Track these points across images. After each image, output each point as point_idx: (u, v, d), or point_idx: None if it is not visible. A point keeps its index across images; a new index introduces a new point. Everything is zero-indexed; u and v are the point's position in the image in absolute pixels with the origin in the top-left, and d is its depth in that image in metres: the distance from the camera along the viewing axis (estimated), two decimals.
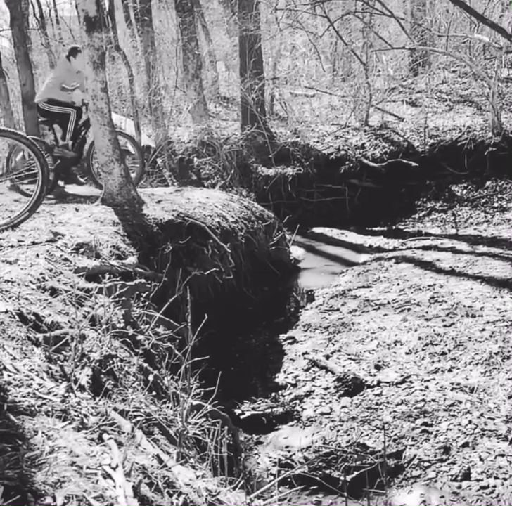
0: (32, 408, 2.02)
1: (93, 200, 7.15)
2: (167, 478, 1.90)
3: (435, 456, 3.83)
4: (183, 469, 2.18)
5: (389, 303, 6.56)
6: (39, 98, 8.45)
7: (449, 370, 4.90)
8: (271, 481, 3.77)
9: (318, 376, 5.18)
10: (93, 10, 6.14)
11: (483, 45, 12.08)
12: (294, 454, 4.12)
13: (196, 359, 3.08)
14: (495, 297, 6.23)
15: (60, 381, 2.43)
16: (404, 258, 8.06)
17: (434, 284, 6.84)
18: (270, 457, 4.15)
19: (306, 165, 11.69)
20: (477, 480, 3.58)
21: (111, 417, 2.19)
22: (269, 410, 4.72)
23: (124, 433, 2.13)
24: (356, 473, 3.79)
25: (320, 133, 12.64)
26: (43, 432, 1.86)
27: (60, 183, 8.81)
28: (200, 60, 13.40)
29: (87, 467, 1.73)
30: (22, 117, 11.81)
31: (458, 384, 4.62)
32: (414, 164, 10.85)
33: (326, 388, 4.93)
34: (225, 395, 3.45)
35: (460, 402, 4.34)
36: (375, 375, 4.96)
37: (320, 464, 3.98)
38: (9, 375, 2.22)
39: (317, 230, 10.42)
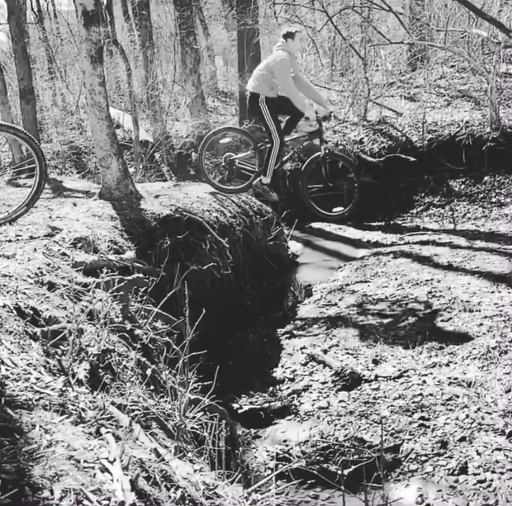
0: (30, 402, 2.02)
1: (90, 195, 7.14)
2: (164, 472, 1.91)
3: (432, 450, 3.84)
4: (181, 462, 2.19)
5: (387, 298, 6.57)
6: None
7: (447, 365, 4.91)
8: (268, 475, 3.78)
9: (316, 370, 5.19)
10: (90, 4, 6.13)
11: (482, 40, 12.05)
12: (291, 448, 4.13)
13: (194, 353, 3.08)
14: (493, 292, 6.24)
15: (57, 375, 2.43)
16: (402, 253, 8.07)
17: (432, 279, 6.85)
18: (268, 451, 4.16)
19: (305, 160, 11.66)
20: (474, 474, 3.59)
21: (109, 411, 2.19)
22: (266, 404, 4.73)
23: (121, 427, 2.14)
24: (353, 467, 3.80)
25: None
26: (40, 426, 1.87)
27: (58, 178, 8.69)
28: (198, 54, 13.37)
29: (85, 461, 1.73)
30: (19, 112, 11.81)
31: (456, 378, 4.63)
32: (412, 159, 10.84)
33: (324, 383, 4.94)
34: (223, 389, 3.46)
35: (457, 396, 4.35)
36: (372, 370, 4.97)
37: (317, 458, 3.99)
38: (7, 369, 2.22)
39: (315, 225, 10.41)
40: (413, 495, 3.55)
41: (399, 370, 4.88)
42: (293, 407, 4.68)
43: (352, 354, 5.34)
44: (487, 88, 10.83)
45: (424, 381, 4.65)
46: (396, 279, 7.08)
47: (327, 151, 7.22)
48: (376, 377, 4.83)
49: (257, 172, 7.56)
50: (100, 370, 2.73)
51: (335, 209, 7.70)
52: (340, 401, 4.59)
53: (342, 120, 12.66)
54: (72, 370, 2.52)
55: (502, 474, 3.54)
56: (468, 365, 4.85)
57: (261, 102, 6.95)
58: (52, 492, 1.56)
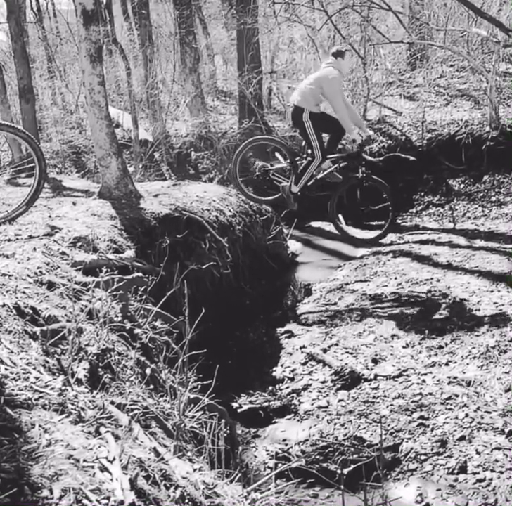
0: (29, 402, 2.02)
1: (90, 194, 7.14)
2: (164, 471, 1.91)
3: (432, 449, 3.84)
4: (181, 462, 2.19)
5: (386, 297, 6.56)
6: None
7: (446, 364, 4.91)
8: (268, 474, 3.78)
9: (316, 370, 5.19)
10: (90, 3, 6.12)
11: (481, 39, 12.04)
12: (291, 447, 4.14)
13: (193, 353, 3.08)
14: (492, 291, 6.24)
15: (57, 374, 2.43)
16: (402, 252, 8.06)
17: (432, 278, 6.85)
18: (267, 451, 4.16)
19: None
20: (474, 473, 3.59)
21: (108, 410, 2.19)
22: (266, 404, 4.74)
23: (121, 426, 2.14)
24: (353, 466, 3.80)
25: None
26: (40, 425, 1.87)
27: (57, 177, 8.65)
28: (197, 53, 13.36)
29: (84, 460, 1.73)
30: (19, 111, 11.80)
31: (455, 377, 4.63)
32: (412, 158, 10.83)
33: (323, 382, 4.94)
34: (222, 388, 3.46)
35: (457, 395, 4.35)
36: (372, 369, 4.97)
37: (317, 457, 3.99)
38: (6, 369, 2.22)
39: (315, 224, 10.40)
40: (412, 494, 3.56)
41: (399, 369, 4.88)
42: (293, 406, 4.68)
43: (351, 353, 5.34)
44: (486, 88, 10.83)
45: (423, 381, 4.65)
46: (395, 278, 7.08)
47: (365, 175, 7.10)
48: (376, 376, 4.84)
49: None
50: (99, 369, 2.73)
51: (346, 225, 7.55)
52: (340, 400, 4.59)
53: None
54: (71, 369, 2.52)
55: (501, 473, 3.55)
56: (468, 364, 4.85)
57: (305, 117, 6.86)
58: (51, 491, 1.56)
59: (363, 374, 4.88)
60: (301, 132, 7.12)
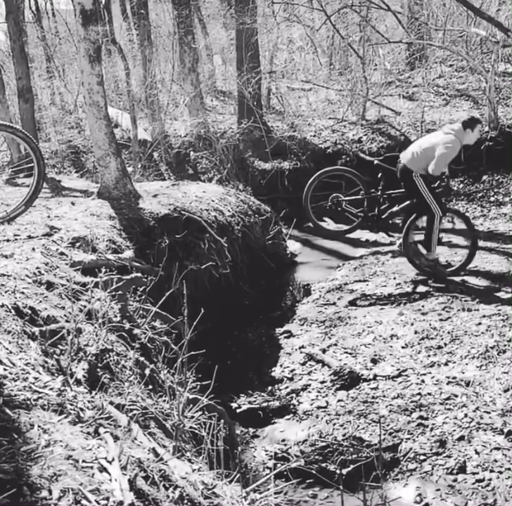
0: (28, 402, 2.01)
1: (89, 194, 7.13)
2: (163, 471, 1.91)
3: (431, 449, 3.84)
4: (180, 462, 2.18)
5: (385, 297, 6.57)
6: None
7: (445, 364, 4.92)
8: (267, 475, 3.78)
9: (315, 370, 5.19)
10: (89, 3, 6.12)
11: (480, 39, 12.06)
12: (290, 447, 4.14)
13: (192, 353, 3.07)
14: (491, 291, 6.25)
15: (56, 375, 2.43)
16: (401, 252, 8.06)
17: (431, 279, 6.85)
18: (266, 451, 4.16)
19: (303, 159, 11.66)
20: (473, 473, 3.60)
21: (107, 410, 2.19)
22: (265, 404, 4.73)
23: (120, 426, 2.13)
24: (352, 466, 3.80)
25: (317, 127, 12.62)
26: (39, 426, 1.86)
27: (56, 177, 8.63)
28: (196, 53, 13.35)
29: (83, 461, 1.73)
30: (18, 111, 11.79)
31: (454, 377, 4.63)
32: None
33: (323, 382, 4.94)
34: (221, 389, 3.45)
35: (456, 395, 4.35)
36: (371, 369, 4.97)
37: (316, 457, 3.99)
38: (5, 369, 2.22)
39: None
40: (411, 494, 3.56)
41: (398, 370, 4.88)
42: (292, 406, 4.67)
43: (350, 353, 5.34)
44: (485, 88, 10.84)
45: (423, 381, 4.65)
46: (394, 278, 7.08)
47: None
48: (375, 376, 4.84)
49: (363, 218, 7.50)
50: (98, 370, 2.73)
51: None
52: (339, 400, 4.59)
53: (341, 119, 12.67)
54: (70, 369, 2.52)
55: (500, 473, 3.55)
56: (467, 364, 4.85)
57: (415, 176, 6.79)
58: (50, 492, 1.56)
59: (362, 375, 4.88)
60: (410, 189, 7.02)
